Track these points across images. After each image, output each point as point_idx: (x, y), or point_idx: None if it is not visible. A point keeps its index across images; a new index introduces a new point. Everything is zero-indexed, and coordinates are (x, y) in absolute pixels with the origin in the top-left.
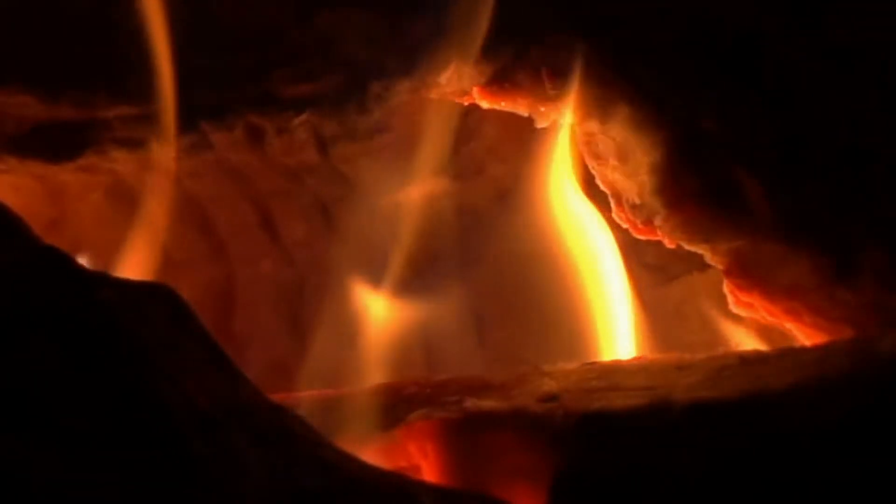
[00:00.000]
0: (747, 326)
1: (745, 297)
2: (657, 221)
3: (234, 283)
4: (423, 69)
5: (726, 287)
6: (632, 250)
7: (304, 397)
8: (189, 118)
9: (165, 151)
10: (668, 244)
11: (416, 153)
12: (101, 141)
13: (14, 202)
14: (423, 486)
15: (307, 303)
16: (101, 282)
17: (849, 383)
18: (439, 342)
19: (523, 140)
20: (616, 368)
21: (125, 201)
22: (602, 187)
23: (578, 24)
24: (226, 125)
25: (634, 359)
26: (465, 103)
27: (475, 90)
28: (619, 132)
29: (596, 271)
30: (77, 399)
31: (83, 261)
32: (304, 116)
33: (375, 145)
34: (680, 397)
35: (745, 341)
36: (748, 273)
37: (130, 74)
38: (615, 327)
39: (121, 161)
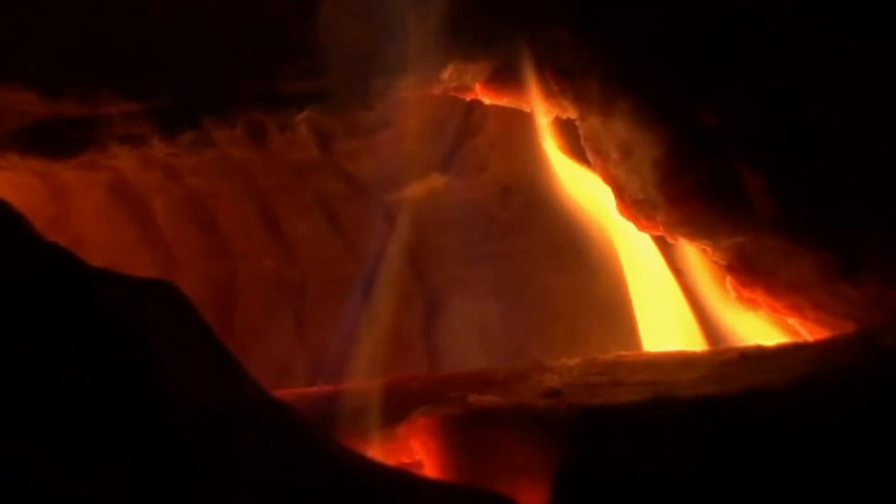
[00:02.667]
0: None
1: (747, 293)
2: (659, 217)
3: (236, 279)
4: (426, 65)
5: (729, 282)
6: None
7: (306, 393)
8: (191, 114)
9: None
10: (670, 239)
11: (418, 149)
12: (102, 137)
13: (17, 200)
14: (425, 481)
15: (309, 299)
16: (104, 279)
17: (852, 378)
18: (442, 338)
19: (526, 136)
20: (618, 364)
21: (127, 199)
22: (604, 182)
23: (580, 20)
24: (227, 121)
25: (636, 354)
26: (468, 99)
27: (477, 86)
28: (620, 127)
29: (603, 266)
30: (80, 395)
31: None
32: (306, 113)
33: (377, 141)
34: (683, 393)
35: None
36: (751, 269)
37: (132, 71)
38: (621, 321)
39: (122, 157)
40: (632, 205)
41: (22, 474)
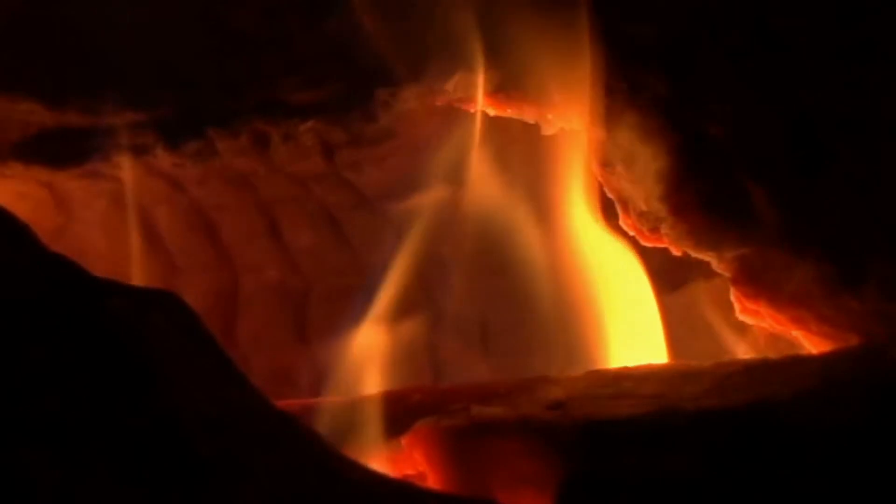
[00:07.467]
0: (753, 334)
1: (751, 305)
2: (664, 229)
3: (239, 290)
4: (430, 76)
5: (733, 295)
6: (638, 257)
7: (309, 404)
8: (195, 124)
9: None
10: (675, 251)
11: (423, 160)
12: (106, 147)
13: (20, 209)
14: (428, 493)
15: (313, 310)
16: (108, 289)
17: (855, 391)
18: (445, 350)
19: (530, 147)
20: (622, 376)
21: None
22: (609, 194)
23: (584, 30)
24: (231, 132)
25: (641, 366)
26: (473, 111)
27: (482, 97)
28: (625, 139)
29: (605, 278)
30: (84, 405)
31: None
32: (310, 123)
33: (382, 152)
34: (686, 405)
35: (751, 349)
36: (755, 281)
37: (136, 81)
38: (622, 334)
39: (126, 167)
40: (636, 217)
41: (23, 475)
